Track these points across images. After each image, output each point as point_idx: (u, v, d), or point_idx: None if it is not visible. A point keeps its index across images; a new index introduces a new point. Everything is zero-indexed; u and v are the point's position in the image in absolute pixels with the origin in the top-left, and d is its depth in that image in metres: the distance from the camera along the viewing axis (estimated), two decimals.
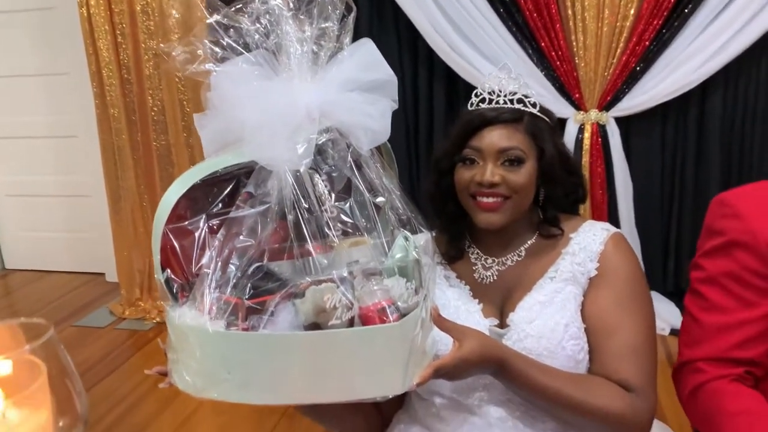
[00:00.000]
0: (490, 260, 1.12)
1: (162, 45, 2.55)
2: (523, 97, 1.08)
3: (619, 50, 2.65)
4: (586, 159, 2.74)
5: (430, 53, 2.85)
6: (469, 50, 2.76)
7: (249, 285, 0.82)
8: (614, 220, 2.74)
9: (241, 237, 0.85)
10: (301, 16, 0.90)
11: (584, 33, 2.67)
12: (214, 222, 0.88)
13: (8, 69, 3.64)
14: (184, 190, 0.86)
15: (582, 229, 1.10)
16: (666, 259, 2.93)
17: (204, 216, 0.88)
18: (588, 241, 1.07)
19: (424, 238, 0.91)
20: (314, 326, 0.79)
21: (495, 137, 1.05)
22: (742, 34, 2.53)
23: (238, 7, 0.88)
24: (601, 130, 2.75)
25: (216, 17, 0.88)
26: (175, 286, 0.87)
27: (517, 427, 1.01)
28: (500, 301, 1.09)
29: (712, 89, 2.72)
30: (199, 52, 0.90)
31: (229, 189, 0.91)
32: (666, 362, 2.46)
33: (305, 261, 0.85)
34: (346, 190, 0.89)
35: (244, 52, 0.89)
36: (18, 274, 3.91)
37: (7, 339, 0.52)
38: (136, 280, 3.26)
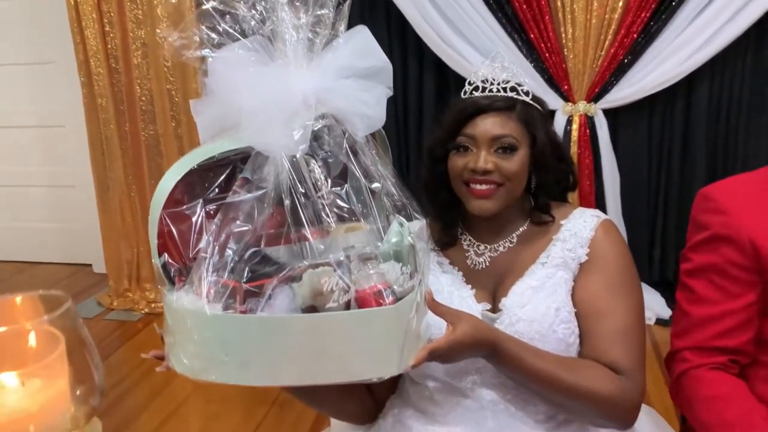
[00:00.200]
0: (482, 247, 1.14)
1: (159, 31, 2.54)
2: (516, 86, 1.09)
3: (607, 42, 2.67)
4: (574, 150, 2.76)
5: (420, 43, 2.86)
6: (458, 41, 2.77)
7: (246, 269, 0.83)
8: (601, 210, 2.76)
9: (238, 222, 0.85)
10: (297, 3, 0.90)
11: (573, 25, 2.69)
12: (211, 207, 0.89)
13: None
14: (181, 175, 0.87)
15: (573, 216, 1.12)
16: (652, 249, 2.98)
17: (201, 201, 0.88)
18: (578, 227, 1.09)
19: (419, 224, 0.93)
20: (311, 309, 0.80)
21: (488, 125, 1.07)
22: (728, 27, 2.57)
23: None
24: (589, 122, 2.77)
25: (212, 3, 0.89)
26: (173, 270, 0.88)
27: (509, 410, 1.03)
28: (492, 286, 1.11)
29: (698, 82, 2.75)
30: (196, 38, 0.90)
31: (225, 175, 0.91)
32: (652, 351, 2.50)
33: (302, 245, 0.86)
34: (342, 176, 0.90)
35: (240, 38, 0.90)
36: (4, 265, 3.88)
37: (27, 310, 0.53)
38: (124, 270, 3.25)
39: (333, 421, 1.26)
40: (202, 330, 0.81)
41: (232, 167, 0.91)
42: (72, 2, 2.92)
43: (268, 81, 0.89)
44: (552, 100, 2.76)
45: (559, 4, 2.68)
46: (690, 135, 2.83)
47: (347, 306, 0.81)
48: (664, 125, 2.86)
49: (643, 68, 2.69)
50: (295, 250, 0.87)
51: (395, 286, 0.83)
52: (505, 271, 1.11)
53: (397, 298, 0.82)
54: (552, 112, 2.77)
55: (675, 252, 2.89)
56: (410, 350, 0.84)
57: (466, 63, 2.74)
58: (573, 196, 2.14)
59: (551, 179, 1.13)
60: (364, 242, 0.86)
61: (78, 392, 0.53)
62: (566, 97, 2.77)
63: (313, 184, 0.87)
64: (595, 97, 2.75)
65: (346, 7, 0.93)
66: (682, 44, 2.62)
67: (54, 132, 3.62)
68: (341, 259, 0.82)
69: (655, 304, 2.81)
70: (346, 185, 0.89)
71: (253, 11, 0.90)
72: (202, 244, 0.85)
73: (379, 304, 0.80)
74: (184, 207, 0.88)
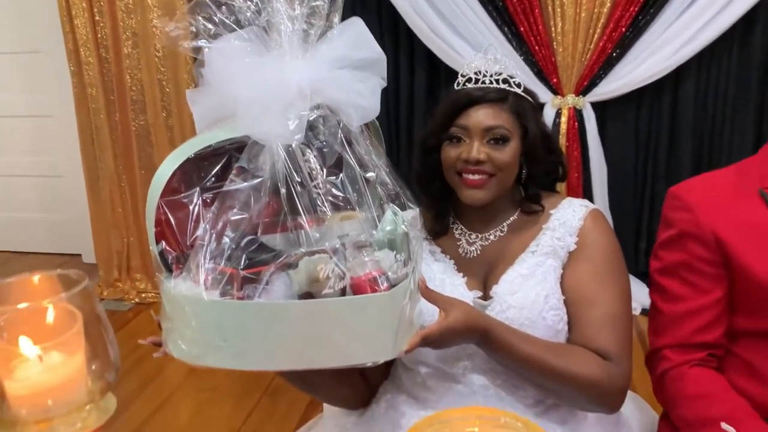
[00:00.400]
0: (473, 236, 1.16)
1: (154, 20, 2.53)
2: (508, 78, 1.11)
3: (596, 36, 2.70)
4: (562, 142, 2.79)
5: (411, 36, 2.87)
6: (449, 34, 2.78)
7: (243, 256, 0.85)
8: None
9: (235, 210, 0.87)
10: None
11: (563, 18, 2.71)
12: (208, 195, 0.90)
13: None
14: (178, 164, 0.88)
15: (562, 206, 1.14)
16: (638, 240, 3.02)
17: (198, 189, 0.90)
18: (567, 216, 1.12)
19: (412, 213, 0.94)
20: (308, 295, 0.82)
21: (481, 116, 1.08)
22: (715, 22, 2.60)
23: None
24: (577, 115, 2.80)
25: None
26: (170, 257, 0.89)
27: (499, 395, 1.06)
28: (483, 274, 1.13)
29: (685, 76, 2.79)
30: (192, 28, 0.91)
31: (221, 164, 0.92)
32: (637, 340, 2.54)
33: (298, 233, 0.88)
34: (337, 165, 0.91)
35: (236, 28, 0.91)
36: None
37: (43, 289, 0.55)
38: (114, 261, 3.24)
39: (325, 407, 1.28)
40: (200, 316, 0.82)
41: (228, 156, 0.92)
42: None
43: (264, 71, 0.90)
44: (541, 92, 2.77)
45: None
46: (677, 128, 2.87)
47: (343, 292, 0.83)
48: (651, 118, 2.89)
49: (631, 62, 2.72)
50: (291, 238, 0.88)
51: (389, 273, 0.85)
52: (495, 259, 1.13)
53: (392, 285, 0.84)
54: (541, 105, 2.79)
55: None
56: (404, 336, 0.86)
57: (457, 56, 2.75)
58: (561, 187, 2.17)
59: (541, 170, 1.15)
60: (359, 230, 0.88)
61: (93, 367, 0.54)
62: (555, 90, 2.80)
63: (308, 173, 0.88)
64: (583, 91, 2.78)
65: None
66: (670, 38, 2.65)
67: (43, 122, 3.59)
68: (337, 246, 0.84)
69: (641, 295, 2.84)
70: (341, 174, 0.90)
71: (249, 2, 0.91)
72: (199, 232, 0.86)
73: (374, 291, 0.82)
74: (182, 195, 0.89)
